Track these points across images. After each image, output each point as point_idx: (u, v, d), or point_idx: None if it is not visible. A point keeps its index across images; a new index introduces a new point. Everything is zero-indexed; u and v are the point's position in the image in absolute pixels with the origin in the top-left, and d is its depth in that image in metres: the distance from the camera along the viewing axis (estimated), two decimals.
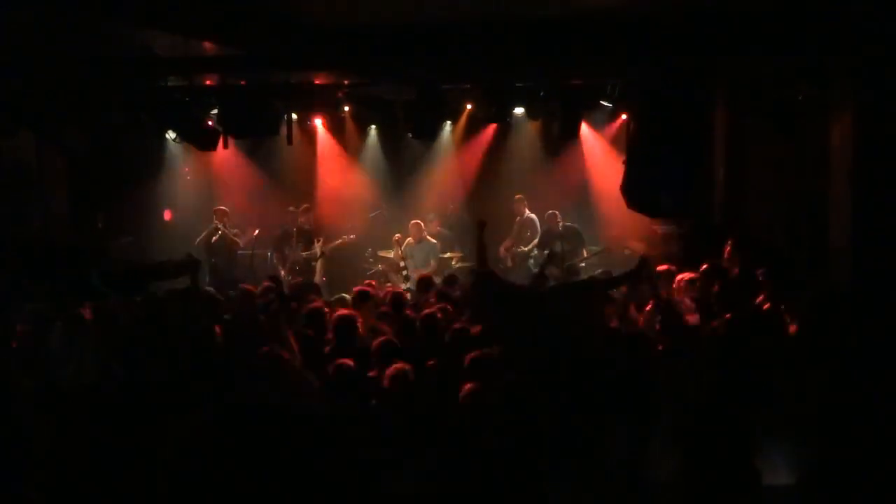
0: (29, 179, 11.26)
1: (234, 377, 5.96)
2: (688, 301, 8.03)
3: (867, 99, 8.03)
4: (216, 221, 13.22)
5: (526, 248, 13.62)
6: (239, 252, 13.47)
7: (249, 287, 9.39)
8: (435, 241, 13.21)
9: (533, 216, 13.65)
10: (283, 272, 12.87)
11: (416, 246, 12.98)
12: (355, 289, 8.86)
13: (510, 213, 13.84)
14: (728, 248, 8.95)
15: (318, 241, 13.12)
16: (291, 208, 13.65)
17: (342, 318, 7.18)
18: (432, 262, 12.91)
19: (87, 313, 8.28)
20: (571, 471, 4.54)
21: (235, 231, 13.50)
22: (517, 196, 13.77)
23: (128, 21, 7.75)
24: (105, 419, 5.75)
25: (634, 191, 8.46)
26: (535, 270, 12.86)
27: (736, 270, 8.46)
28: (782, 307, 7.29)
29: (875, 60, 7.84)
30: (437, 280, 10.44)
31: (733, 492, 3.50)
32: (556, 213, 13.31)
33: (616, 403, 5.04)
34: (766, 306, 7.21)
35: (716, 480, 3.52)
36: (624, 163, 8.71)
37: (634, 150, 8.73)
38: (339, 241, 13.64)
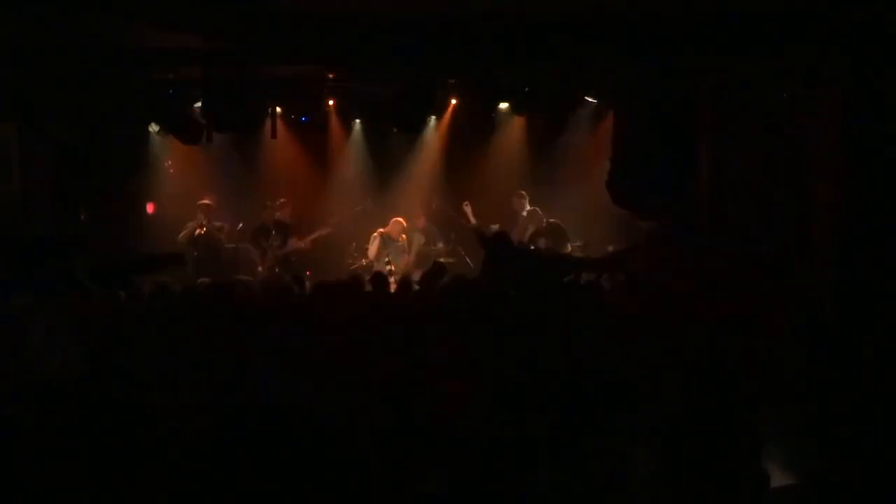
0: (11, 170, 11.16)
1: (245, 375, 5.93)
2: None
3: (854, 98, 8.08)
4: (200, 215, 13.16)
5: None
6: (223, 246, 13.40)
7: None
8: (403, 239, 13.28)
9: (524, 214, 13.64)
10: (260, 267, 12.86)
11: (392, 244, 13.01)
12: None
13: (495, 208, 13.83)
14: (712, 246, 9.01)
15: (296, 237, 13.09)
16: (268, 203, 13.60)
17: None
18: (406, 258, 13.03)
19: (70, 306, 8.24)
20: (557, 469, 4.54)
21: (219, 225, 13.43)
22: (521, 192, 13.73)
23: (114, 13, 7.70)
24: (89, 414, 5.70)
25: (620, 187, 8.48)
26: None
27: (720, 268, 8.52)
28: (765, 305, 7.35)
29: (862, 60, 7.88)
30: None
31: (740, 494, 3.51)
32: (538, 209, 13.33)
33: (607, 401, 5.04)
34: (749, 303, 7.27)
35: (720, 482, 3.52)
36: (609, 160, 8.73)
37: (620, 147, 8.75)
38: (315, 234, 13.60)
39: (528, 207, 13.61)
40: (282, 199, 13.65)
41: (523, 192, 13.70)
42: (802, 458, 3.58)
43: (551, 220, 13.27)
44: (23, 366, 6.62)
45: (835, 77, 8.33)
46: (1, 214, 10.87)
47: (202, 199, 13.44)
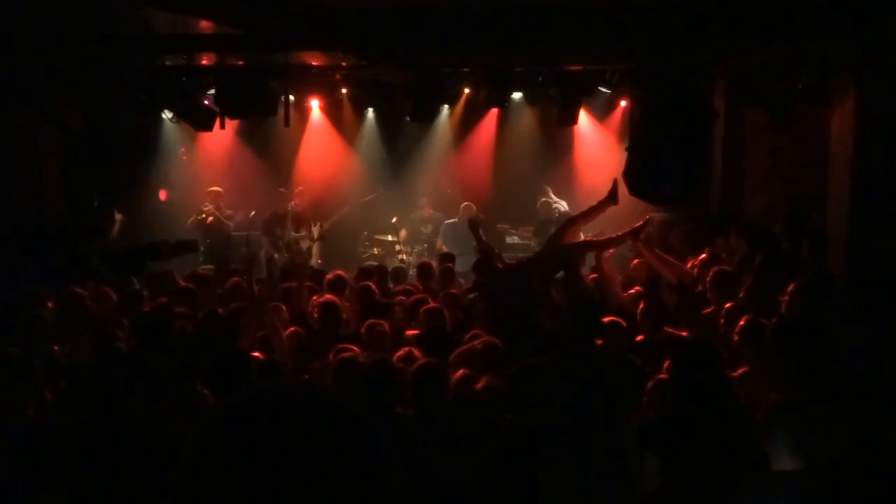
0: (24, 156, 11.17)
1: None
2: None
3: (868, 88, 8.00)
4: (209, 203, 13.18)
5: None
6: (233, 234, 13.42)
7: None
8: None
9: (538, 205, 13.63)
10: (276, 255, 12.86)
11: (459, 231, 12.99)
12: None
13: (507, 198, 13.82)
14: (730, 236, 8.95)
15: (316, 224, 13.08)
16: (282, 189, 13.61)
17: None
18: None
19: (83, 293, 8.26)
20: (567, 458, 4.53)
21: (229, 213, 13.45)
22: (546, 188, 13.67)
23: None
24: (99, 400, 5.71)
25: (637, 177, 8.41)
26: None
27: (737, 258, 8.47)
28: (779, 293, 7.30)
29: (877, 49, 7.81)
30: None
31: (742, 476, 3.50)
32: (549, 199, 13.32)
33: (616, 389, 5.03)
34: (762, 292, 7.22)
35: (723, 467, 3.51)
36: (627, 149, 8.67)
37: (637, 136, 8.68)
38: (335, 217, 13.63)
39: (552, 200, 13.58)
40: (300, 188, 13.69)
41: (548, 188, 13.64)
42: (806, 443, 3.56)
43: (563, 209, 13.25)
44: (35, 351, 6.63)
45: (848, 65, 8.26)
46: (14, 201, 10.88)
47: (213, 185, 13.48)
